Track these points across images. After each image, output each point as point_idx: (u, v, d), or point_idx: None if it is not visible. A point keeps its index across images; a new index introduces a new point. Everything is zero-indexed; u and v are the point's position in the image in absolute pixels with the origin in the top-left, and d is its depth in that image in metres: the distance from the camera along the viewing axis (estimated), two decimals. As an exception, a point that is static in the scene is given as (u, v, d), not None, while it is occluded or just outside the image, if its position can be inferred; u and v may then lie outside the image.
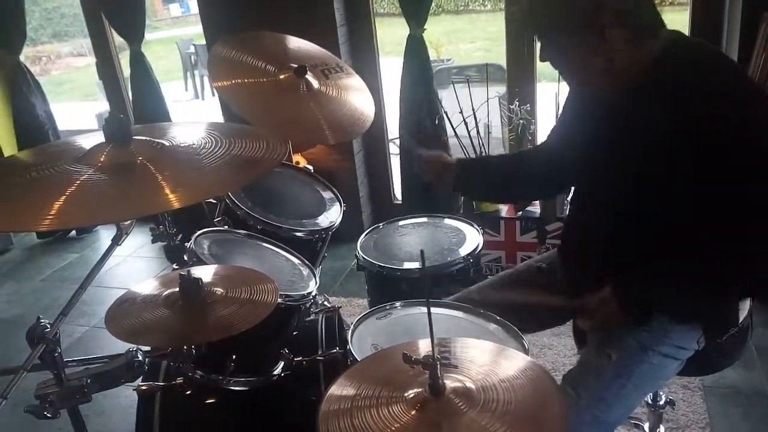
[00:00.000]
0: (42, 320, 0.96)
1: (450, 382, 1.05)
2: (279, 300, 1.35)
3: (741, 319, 1.47)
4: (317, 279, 1.53)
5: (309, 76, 2.03)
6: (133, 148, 0.98)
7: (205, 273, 1.15)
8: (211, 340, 1.05)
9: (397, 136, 3.39)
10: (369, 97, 2.14)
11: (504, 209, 3.04)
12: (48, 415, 0.93)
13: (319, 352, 1.64)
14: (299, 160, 3.41)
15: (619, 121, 1.33)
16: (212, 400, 1.52)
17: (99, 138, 1.04)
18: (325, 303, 2.43)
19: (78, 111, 7.59)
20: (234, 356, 1.35)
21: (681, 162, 1.21)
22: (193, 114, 8.59)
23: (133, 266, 3.66)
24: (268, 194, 1.80)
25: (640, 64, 1.27)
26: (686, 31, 2.87)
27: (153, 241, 1.62)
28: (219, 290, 1.08)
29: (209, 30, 3.42)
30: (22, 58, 3.82)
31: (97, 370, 1.00)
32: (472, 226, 2.09)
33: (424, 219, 2.19)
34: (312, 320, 1.81)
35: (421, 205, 3.14)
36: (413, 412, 0.99)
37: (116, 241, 1.01)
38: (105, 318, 1.02)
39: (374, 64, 3.38)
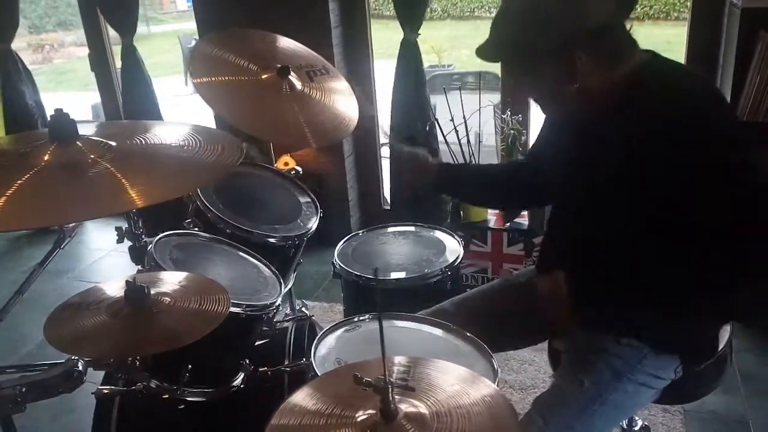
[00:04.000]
0: (-24, 325, 0.91)
1: (405, 406, 1.00)
2: (238, 310, 1.32)
3: (720, 347, 1.42)
4: (283, 288, 1.48)
5: (292, 77, 1.99)
6: (79, 148, 0.94)
7: (156, 279, 1.10)
8: (155, 353, 1.00)
9: (388, 141, 3.34)
10: (354, 102, 2.10)
11: (492, 220, 2.99)
12: (-25, 424, 0.88)
13: (285, 363, 1.59)
14: (288, 161, 3.36)
15: (588, 145, 1.29)
16: (172, 409, 1.47)
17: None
18: (303, 309, 2.39)
19: (76, 101, 7.56)
20: (189, 366, 1.30)
21: (647, 188, 1.17)
22: (189, 109, 8.54)
23: (118, 261, 3.61)
24: (241, 197, 1.75)
25: (610, 87, 1.23)
26: (683, 46, 2.83)
27: (118, 241, 1.57)
28: (167, 299, 1.03)
29: (203, 27, 3.38)
30: (24, 44, 3.78)
31: (33, 378, 0.95)
32: (454, 237, 2.05)
33: (407, 228, 2.15)
34: (282, 328, 1.77)
35: (410, 212, 3.11)
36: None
37: (59, 244, 0.96)
38: (44, 325, 0.97)
39: (368, 67, 3.33)
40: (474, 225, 2.98)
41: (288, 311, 2.34)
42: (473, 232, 2.94)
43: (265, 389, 1.53)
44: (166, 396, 1.38)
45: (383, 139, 3.54)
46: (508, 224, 2.93)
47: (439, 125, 3.03)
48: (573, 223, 1.41)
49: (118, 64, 3.76)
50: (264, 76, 1.95)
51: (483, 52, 1.30)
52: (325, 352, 1.41)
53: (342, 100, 2.08)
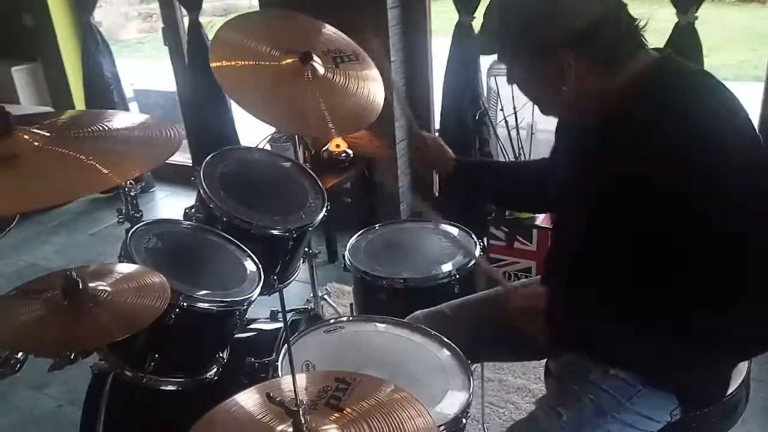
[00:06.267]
0: None
1: (326, 427, 0.95)
2: (207, 305, 1.31)
3: (732, 389, 1.26)
4: (259, 284, 1.45)
5: (316, 63, 1.94)
6: (17, 138, 0.94)
7: (103, 271, 1.10)
8: (89, 348, 1.00)
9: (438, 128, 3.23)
10: (380, 89, 2.03)
11: (540, 218, 2.84)
12: None
13: (273, 356, 1.58)
14: (339, 143, 3.33)
15: (579, 157, 1.16)
16: (157, 393, 1.49)
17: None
18: (325, 297, 2.37)
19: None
20: (156, 355, 1.30)
21: (627, 216, 1.04)
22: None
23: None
24: (247, 186, 1.74)
25: (606, 95, 1.09)
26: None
27: (119, 223, 1.61)
28: (105, 294, 1.03)
29: (264, 5, 3.39)
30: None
31: (-30, 361, 0.99)
32: (472, 237, 1.95)
33: (426, 224, 2.06)
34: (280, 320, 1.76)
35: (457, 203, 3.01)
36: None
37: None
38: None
39: (425, 49, 3.22)
40: (520, 222, 2.84)
41: (310, 297, 2.34)
42: (518, 230, 2.80)
43: (250, 380, 1.53)
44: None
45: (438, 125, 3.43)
46: (556, 223, 2.76)
47: (488, 114, 2.90)
48: (566, 233, 1.30)
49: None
50: (286, 62, 1.91)
51: (481, 44, 1.20)
52: (295, 352, 1.38)
53: (367, 88, 2.01)
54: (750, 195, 0.99)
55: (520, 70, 1.17)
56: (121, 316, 1.01)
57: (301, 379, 1.10)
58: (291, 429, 0.94)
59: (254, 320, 1.81)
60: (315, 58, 1.93)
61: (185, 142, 4.40)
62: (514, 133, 2.83)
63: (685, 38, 2.39)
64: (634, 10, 1.11)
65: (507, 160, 2.84)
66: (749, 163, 1.01)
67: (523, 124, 2.87)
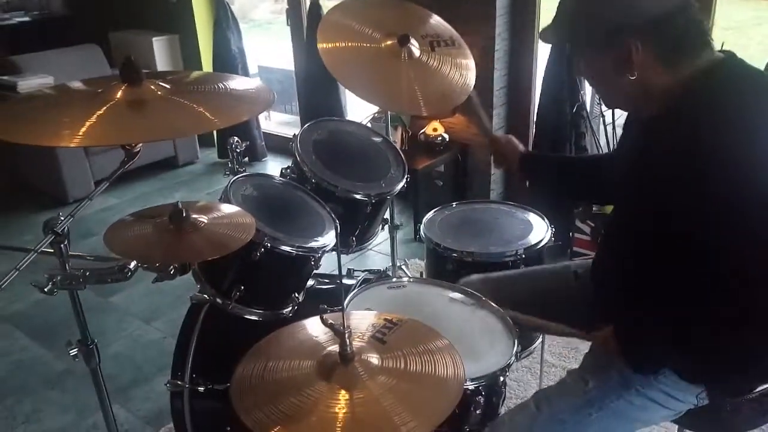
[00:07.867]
0: (61, 217, 1.20)
1: (368, 355, 1.11)
2: (288, 248, 1.51)
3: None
4: (335, 237, 1.62)
5: (412, 46, 2.09)
6: (145, 87, 1.17)
7: (206, 207, 1.33)
8: (185, 262, 1.22)
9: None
10: (471, 75, 2.14)
11: (627, 215, 2.84)
12: (45, 290, 1.17)
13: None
14: (437, 127, 3.46)
15: (633, 150, 1.23)
16: (245, 323, 1.70)
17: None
18: (402, 267, 2.53)
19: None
20: (242, 287, 1.53)
21: (664, 215, 1.10)
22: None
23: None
24: (336, 152, 1.92)
25: (669, 88, 1.15)
26: None
27: (224, 176, 1.85)
28: (202, 224, 1.25)
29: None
30: None
31: (95, 266, 1.23)
32: (544, 219, 2.03)
33: (500, 206, 2.17)
34: (354, 277, 1.94)
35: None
36: (315, 367, 1.08)
37: (123, 165, 1.21)
38: (105, 231, 1.24)
39: (531, 39, 3.26)
40: (606, 217, 2.85)
41: (389, 266, 2.51)
42: (602, 224, 2.82)
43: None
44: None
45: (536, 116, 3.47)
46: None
47: (585, 109, 2.92)
48: (617, 222, 1.37)
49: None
50: (385, 44, 2.07)
51: (543, 34, 1.29)
52: (360, 301, 1.56)
53: (459, 72, 2.14)
54: None
55: (588, 59, 1.24)
56: (211, 242, 1.22)
57: (356, 314, 1.27)
58: (327, 353, 1.11)
59: (335, 276, 2.01)
60: (412, 41, 2.08)
61: (298, 118, 4.71)
62: (610, 128, 2.84)
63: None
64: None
65: (600, 152, 2.87)
66: None
67: (621, 120, 2.87)
